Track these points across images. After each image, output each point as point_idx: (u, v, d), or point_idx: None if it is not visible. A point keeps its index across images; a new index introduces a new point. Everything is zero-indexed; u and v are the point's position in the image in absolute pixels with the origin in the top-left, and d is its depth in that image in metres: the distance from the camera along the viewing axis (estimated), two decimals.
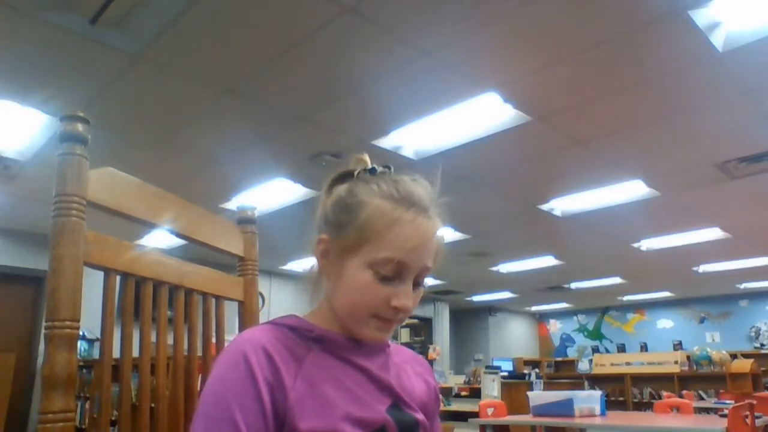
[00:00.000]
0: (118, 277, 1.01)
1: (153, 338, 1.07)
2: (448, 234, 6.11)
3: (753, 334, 10.13)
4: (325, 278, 0.82)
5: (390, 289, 0.76)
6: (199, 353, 1.16)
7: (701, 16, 2.65)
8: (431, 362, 9.45)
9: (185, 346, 1.15)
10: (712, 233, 6.31)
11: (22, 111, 3.37)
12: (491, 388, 7.44)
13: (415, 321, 10.65)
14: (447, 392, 8.22)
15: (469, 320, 12.12)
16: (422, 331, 10.87)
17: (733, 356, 8.68)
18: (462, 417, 6.84)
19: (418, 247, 0.76)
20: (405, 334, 11.12)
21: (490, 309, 11.94)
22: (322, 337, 0.80)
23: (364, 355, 0.82)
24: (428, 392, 0.90)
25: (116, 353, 1.01)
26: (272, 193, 4.93)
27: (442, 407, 7.93)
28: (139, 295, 1.04)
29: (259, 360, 0.72)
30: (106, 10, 2.52)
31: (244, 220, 1.31)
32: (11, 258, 5.92)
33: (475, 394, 7.60)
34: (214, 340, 1.21)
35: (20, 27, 2.65)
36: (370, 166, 0.83)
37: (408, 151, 4.11)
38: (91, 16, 2.56)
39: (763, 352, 9.73)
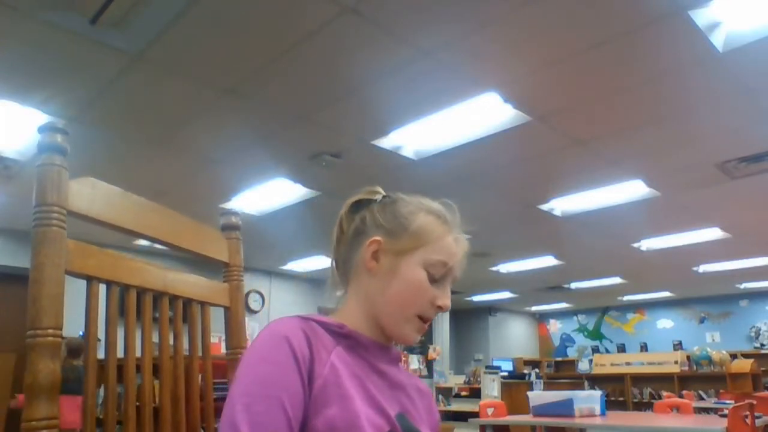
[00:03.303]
0: (102, 286, 1.01)
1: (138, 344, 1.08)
2: None
3: (753, 334, 10.13)
4: (369, 278, 0.88)
5: (435, 291, 0.87)
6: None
7: (701, 16, 2.65)
8: (431, 362, 9.46)
9: (171, 353, 1.15)
10: (712, 233, 6.31)
11: (22, 111, 3.37)
12: (491, 388, 7.45)
13: None
14: (447, 392, 8.23)
15: (469, 320, 12.12)
16: None
17: (733, 356, 8.68)
18: (462, 417, 6.84)
19: (461, 258, 0.90)
20: None
21: (490, 309, 11.94)
22: (350, 334, 0.84)
23: (385, 361, 0.88)
24: (429, 414, 0.93)
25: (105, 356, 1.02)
26: (272, 193, 4.93)
27: (442, 407, 7.97)
28: (123, 303, 1.05)
29: (300, 344, 0.76)
30: (106, 10, 2.52)
31: (228, 227, 1.32)
32: (11, 258, 5.92)
33: (475, 394, 7.61)
34: (199, 345, 1.21)
35: (20, 27, 2.65)
36: (384, 194, 0.94)
37: (408, 151, 4.11)
38: (91, 16, 2.56)
39: (763, 352, 9.72)
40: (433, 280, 0.86)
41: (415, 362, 9.67)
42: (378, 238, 0.87)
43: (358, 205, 0.92)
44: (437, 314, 0.88)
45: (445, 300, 0.87)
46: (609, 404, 5.67)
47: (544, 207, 5.41)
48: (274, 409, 0.71)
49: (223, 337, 1.28)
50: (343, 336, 0.83)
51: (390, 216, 0.89)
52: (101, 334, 0.99)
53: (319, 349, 0.78)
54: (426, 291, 0.86)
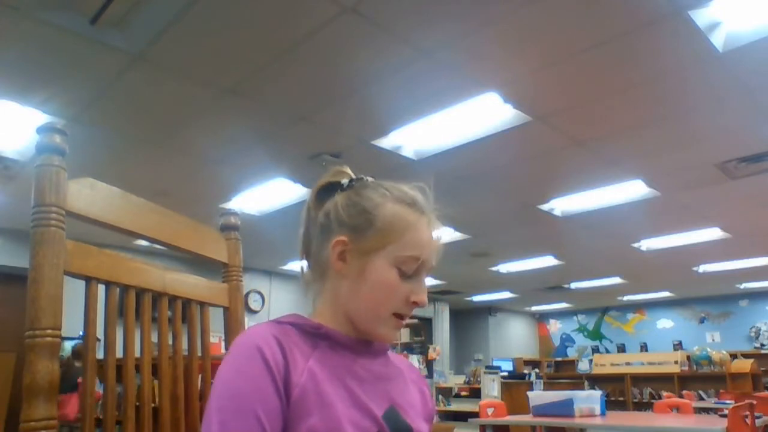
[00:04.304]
0: (101, 286, 1.01)
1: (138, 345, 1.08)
2: (448, 234, 6.16)
3: (753, 334, 10.13)
4: (338, 280, 0.83)
5: (409, 286, 0.81)
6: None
7: (701, 16, 2.65)
8: (431, 362, 9.47)
9: (170, 353, 1.15)
10: (712, 233, 6.31)
11: (22, 111, 3.37)
12: (491, 388, 7.45)
13: (415, 321, 10.63)
14: (447, 392, 8.23)
15: (469, 320, 12.12)
16: (422, 331, 10.86)
17: (733, 356, 8.68)
18: (462, 417, 6.85)
19: (434, 246, 0.84)
20: (405, 334, 11.11)
21: (490, 309, 11.94)
22: (328, 334, 0.81)
23: (369, 356, 0.84)
24: (423, 402, 0.91)
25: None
26: (272, 193, 4.93)
27: (442, 407, 7.97)
28: (123, 303, 1.04)
29: (273, 353, 0.73)
30: (106, 10, 2.52)
31: (228, 227, 1.32)
32: (11, 258, 5.92)
33: (475, 394, 7.60)
34: (199, 345, 1.22)
35: (20, 27, 2.65)
36: (355, 177, 0.88)
37: (408, 151, 4.11)
38: (91, 16, 2.56)
39: (763, 352, 9.73)
40: (406, 276, 0.81)
41: (415, 362, 9.67)
42: (343, 237, 0.82)
43: (325, 192, 0.87)
44: (415, 309, 0.84)
45: (421, 295, 0.82)
46: (609, 404, 5.67)
47: (544, 207, 5.41)
48: (250, 424, 0.69)
49: (223, 337, 1.28)
50: (321, 337, 0.81)
51: (354, 211, 0.83)
52: (100, 334, 0.99)
53: (295, 355, 0.75)
54: (398, 289, 0.80)
